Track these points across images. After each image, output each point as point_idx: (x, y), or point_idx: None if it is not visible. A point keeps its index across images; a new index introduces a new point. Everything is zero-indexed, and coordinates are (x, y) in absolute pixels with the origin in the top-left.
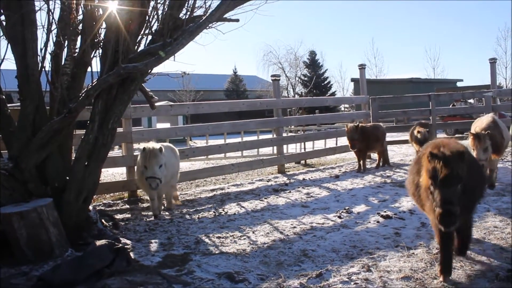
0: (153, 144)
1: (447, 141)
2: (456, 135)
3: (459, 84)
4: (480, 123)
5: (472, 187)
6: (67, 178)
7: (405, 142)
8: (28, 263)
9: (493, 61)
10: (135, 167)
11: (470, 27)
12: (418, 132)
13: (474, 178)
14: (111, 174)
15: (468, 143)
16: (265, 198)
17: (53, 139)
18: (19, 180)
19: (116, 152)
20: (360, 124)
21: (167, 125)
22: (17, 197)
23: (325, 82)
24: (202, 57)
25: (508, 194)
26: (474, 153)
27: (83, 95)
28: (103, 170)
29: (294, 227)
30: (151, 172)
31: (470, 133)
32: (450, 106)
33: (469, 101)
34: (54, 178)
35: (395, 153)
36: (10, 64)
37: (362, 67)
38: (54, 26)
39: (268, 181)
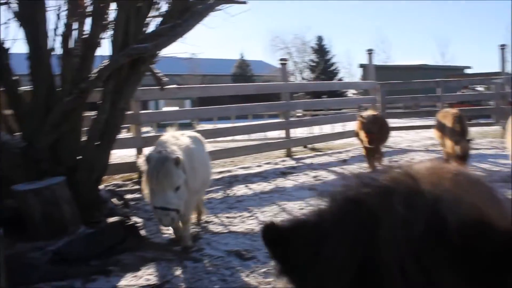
0: (166, 148)
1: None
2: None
3: (467, 71)
4: None
5: None
6: (79, 158)
7: (413, 128)
8: (42, 239)
9: (503, 47)
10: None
11: (479, 14)
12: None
13: None
14: (119, 156)
15: None
16: (273, 181)
17: (65, 119)
18: (32, 159)
19: (123, 136)
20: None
21: (174, 109)
22: (31, 176)
23: (332, 68)
24: (210, 42)
25: None
26: None
27: (94, 75)
28: (113, 152)
29: (302, 208)
30: (163, 200)
31: None
32: (459, 93)
33: (478, 88)
34: (66, 158)
35: (402, 139)
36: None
37: (370, 52)
38: (63, 7)
39: (275, 164)
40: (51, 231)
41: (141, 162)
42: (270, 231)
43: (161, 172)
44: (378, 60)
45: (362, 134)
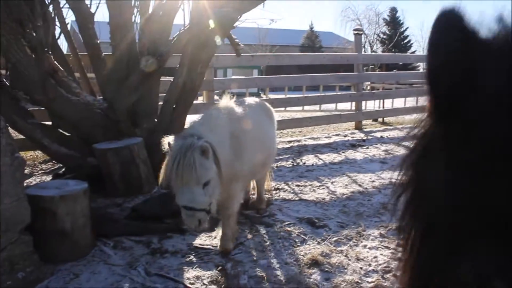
0: (197, 129)
1: None
2: None
3: None
4: None
5: None
6: (155, 120)
7: None
8: (120, 196)
9: None
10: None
11: None
12: None
13: None
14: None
15: None
16: (342, 152)
17: (144, 82)
18: (112, 120)
19: (195, 102)
20: None
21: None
22: (110, 136)
23: (405, 41)
24: (280, 11)
25: None
26: None
27: (174, 39)
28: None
29: (373, 181)
30: (187, 198)
31: None
32: None
33: None
34: (143, 120)
35: None
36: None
37: None
38: None
39: (345, 136)
40: (128, 189)
41: (165, 146)
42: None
43: (183, 164)
44: None
45: None
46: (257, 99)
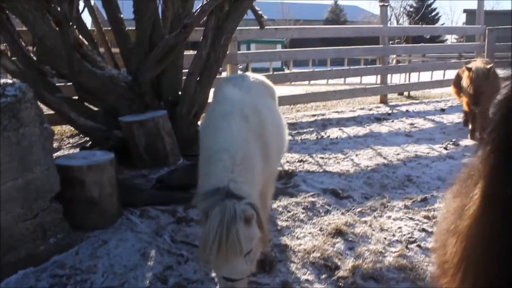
0: (228, 191)
1: None
2: None
3: None
4: None
5: None
6: (180, 92)
7: None
8: (146, 168)
9: None
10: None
11: None
12: None
13: None
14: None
15: None
16: (367, 125)
17: (168, 54)
18: (137, 93)
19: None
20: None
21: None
22: (135, 108)
23: (433, 14)
24: None
25: None
26: None
27: (198, 11)
28: None
29: (398, 154)
30: (228, 270)
31: None
32: None
33: None
34: (167, 92)
35: None
36: None
37: None
38: None
39: (369, 110)
40: (153, 161)
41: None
42: None
43: (226, 241)
44: (485, 5)
45: (468, 91)
46: (256, 76)
